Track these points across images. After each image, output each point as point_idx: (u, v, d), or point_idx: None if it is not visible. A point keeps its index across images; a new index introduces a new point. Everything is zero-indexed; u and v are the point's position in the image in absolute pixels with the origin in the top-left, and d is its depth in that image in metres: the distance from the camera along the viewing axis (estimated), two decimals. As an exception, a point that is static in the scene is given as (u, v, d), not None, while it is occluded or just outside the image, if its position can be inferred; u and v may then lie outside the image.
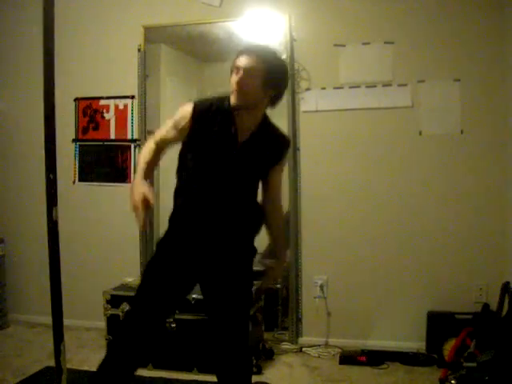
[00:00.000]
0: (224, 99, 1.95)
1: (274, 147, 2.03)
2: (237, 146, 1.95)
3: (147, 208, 1.78)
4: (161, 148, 2.03)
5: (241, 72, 1.88)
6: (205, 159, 1.95)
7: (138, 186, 1.82)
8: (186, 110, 1.96)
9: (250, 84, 1.88)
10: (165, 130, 2.02)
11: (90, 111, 3.82)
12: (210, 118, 1.95)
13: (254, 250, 2.13)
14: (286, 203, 3.50)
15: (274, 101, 1.99)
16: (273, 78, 1.91)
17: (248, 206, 2.04)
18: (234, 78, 1.90)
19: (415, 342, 3.21)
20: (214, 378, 2.12)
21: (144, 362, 2.03)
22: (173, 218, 2.03)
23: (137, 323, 1.96)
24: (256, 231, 2.11)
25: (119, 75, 3.75)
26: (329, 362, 3.13)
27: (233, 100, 1.91)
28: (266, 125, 2.01)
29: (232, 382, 2.06)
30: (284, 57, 3.42)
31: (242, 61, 1.90)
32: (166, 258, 2.00)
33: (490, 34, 3.17)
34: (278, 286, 3.50)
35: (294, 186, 3.44)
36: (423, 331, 3.18)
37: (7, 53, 3.97)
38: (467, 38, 3.21)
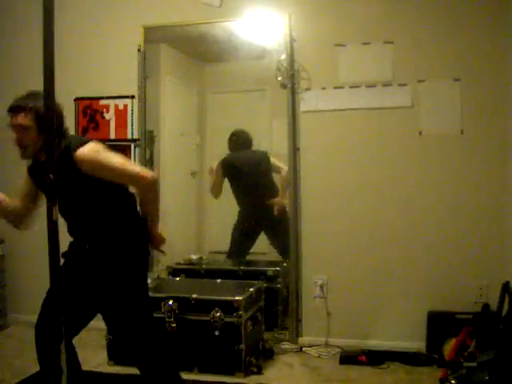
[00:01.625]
0: None
1: (63, 164, 1.99)
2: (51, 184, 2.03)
3: None
4: None
5: (15, 131, 2.06)
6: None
7: None
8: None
9: (26, 138, 2.07)
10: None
11: (89, 111, 3.82)
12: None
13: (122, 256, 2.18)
14: (285, 203, 3.52)
15: (59, 134, 2.11)
16: (44, 122, 1.92)
17: (91, 222, 2.14)
18: (14, 137, 2.07)
19: (415, 342, 3.21)
20: (214, 378, 2.13)
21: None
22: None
23: (152, 330, 2.22)
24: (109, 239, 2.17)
25: (119, 75, 3.75)
26: (329, 362, 3.13)
27: (21, 157, 2.17)
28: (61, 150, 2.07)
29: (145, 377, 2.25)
30: (284, 57, 3.42)
31: (14, 120, 2.06)
32: (143, 276, 2.23)
33: (490, 34, 3.17)
34: (279, 286, 3.50)
35: (294, 186, 3.44)
36: (423, 331, 3.18)
37: (7, 53, 3.97)
38: (467, 38, 3.20)
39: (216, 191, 3.89)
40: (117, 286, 2.12)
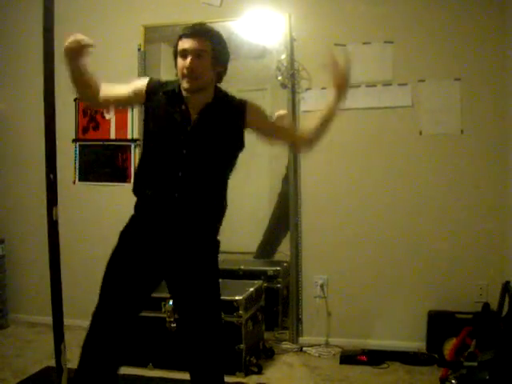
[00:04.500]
0: (176, 82, 1.93)
1: (232, 113, 1.94)
2: (190, 122, 1.89)
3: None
4: (98, 95, 1.92)
5: (189, 56, 1.84)
6: (161, 142, 1.91)
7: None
8: (142, 81, 1.95)
9: (201, 66, 1.85)
10: (118, 85, 1.96)
11: (90, 111, 3.82)
12: (161, 96, 1.92)
13: (217, 244, 2.06)
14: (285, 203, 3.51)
15: (220, 76, 1.97)
16: (219, 54, 1.91)
17: (211, 195, 1.92)
18: (183, 63, 1.85)
19: (416, 342, 3.21)
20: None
21: (121, 361, 1.97)
22: (137, 208, 1.96)
23: (102, 320, 1.89)
24: (218, 223, 2.05)
25: (119, 75, 3.75)
26: (329, 362, 3.13)
27: (186, 85, 1.86)
28: (221, 97, 1.97)
29: (204, 380, 2.03)
30: (284, 56, 3.42)
31: (188, 43, 1.85)
32: (128, 250, 1.95)
33: (490, 34, 3.17)
34: (279, 285, 3.50)
35: (294, 186, 3.44)
36: (424, 331, 3.18)
37: (7, 53, 3.96)
38: (467, 38, 3.20)
39: None
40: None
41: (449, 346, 2.92)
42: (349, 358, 3.11)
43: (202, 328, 1.99)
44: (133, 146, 3.73)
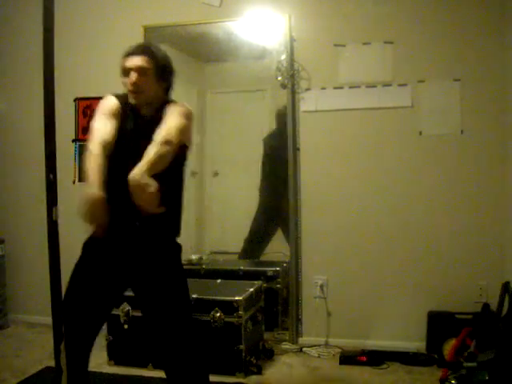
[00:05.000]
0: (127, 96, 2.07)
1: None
2: (140, 132, 2.01)
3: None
4: (105, 150, 1.94)
5: (133, 73, 2.01)
6: (118, 151, 1.97)
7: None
8: (110, 101, 2.06)
9: (145, 82, 2.02)
10: (103, 124, 1.98)
11: (89, 111, 3.82)
12: (122, 109, 2.05)
13: (176, 247, 2.13)
14: (285, 203, 3.51)
15: (167, 90, 2.13)
16: (162, 71, 2.07)
17: (163, 199, 1.85)
18: (129, 80, 2.01)
19: (415, 342, 3.21)
20: (214, 378, 2.13)
21: (85, 364, 2.07)
22: None
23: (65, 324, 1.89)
24: (174, 226, 2.11)
25: (119, 75, 3.74)
26: (329, 362, 3.13)
27: (132, 100, 2.04)
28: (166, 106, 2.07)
29: (178, 379, 2.06)
30: (284, 57, 3.43)
31: (133, 62, 2.02)
32: (89, 258, 2.09)
33: (490, 34, 3.17)
34: (278, 286, 3.49)
35: (294, 186, 3.44)
36: (423, 331, 3.18)
37: (7, 53, 3.97)
38: (467, 38, 3.20)
39: None
40: None
41: (448, 347, 2.92)
42: (349, 358, 3.11)
43: (166, 330, 2.04)
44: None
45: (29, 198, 3.82)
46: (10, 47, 3.95)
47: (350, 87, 3.37)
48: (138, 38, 3.64)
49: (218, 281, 3.33)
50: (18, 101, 3.91)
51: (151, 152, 1.82)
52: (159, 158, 1.83)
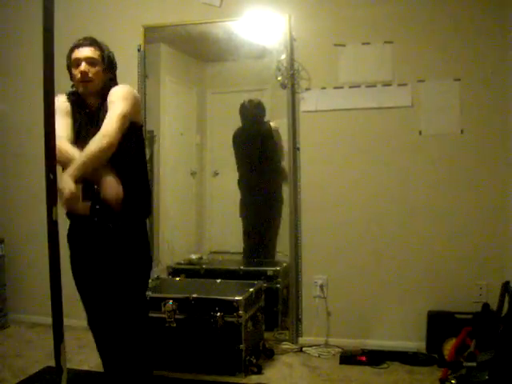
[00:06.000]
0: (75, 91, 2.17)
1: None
2: (91, 122, 2.12)
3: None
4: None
5: (82, 63, 2.10)
6: (77, 141, 2.07)
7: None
8: (62, 101, 2.13)
9: (93, 71, 2.12)
10: (60, 124, 2.01)
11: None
12: (73, 107, 2.15)
13: (142, 229, 2.20)
14: (285, 202, 3.51)
15: (111, 82, 2.20)
16: (109, 62, 2.20)
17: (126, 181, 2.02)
18: (79, 69, 2.10)
19: (415, 342, 3.21)
20: (214, 378, 2.13)
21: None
22: None
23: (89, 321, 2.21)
24: (141, 207, 2.19)
25: (119, 75, 3.72)
26: (329, 362, 3.13)
27: (81, 89, 2.13)
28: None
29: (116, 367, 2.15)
30: (284, 56, 3.43)
31: (81, 53, 2.12)
32: (73, 251, 2.20)
33: (490, 34, 3.17)
34: (278, 286, 3.50)
35: (294, 186, 3.44)
36: (423, 331, 3.18)
37: (7, 53, 3.97)
38: (467, 38, 3.20)
39: None
40: None
41: (448, 346, 2.92)
42: (348, 358, 3.11)
43: (111, 320, 2.14)
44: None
45: (29, 198, 3.82)
46: (10, 47, 3.95)
47: (350, 87, 3.37)
48: (138, 38, 3.65)
49: (218, 281, 3.33)
50: (18, 101, 3.90)
51: (82, 153, 1.95)
52: (91, 156, 1.95)
